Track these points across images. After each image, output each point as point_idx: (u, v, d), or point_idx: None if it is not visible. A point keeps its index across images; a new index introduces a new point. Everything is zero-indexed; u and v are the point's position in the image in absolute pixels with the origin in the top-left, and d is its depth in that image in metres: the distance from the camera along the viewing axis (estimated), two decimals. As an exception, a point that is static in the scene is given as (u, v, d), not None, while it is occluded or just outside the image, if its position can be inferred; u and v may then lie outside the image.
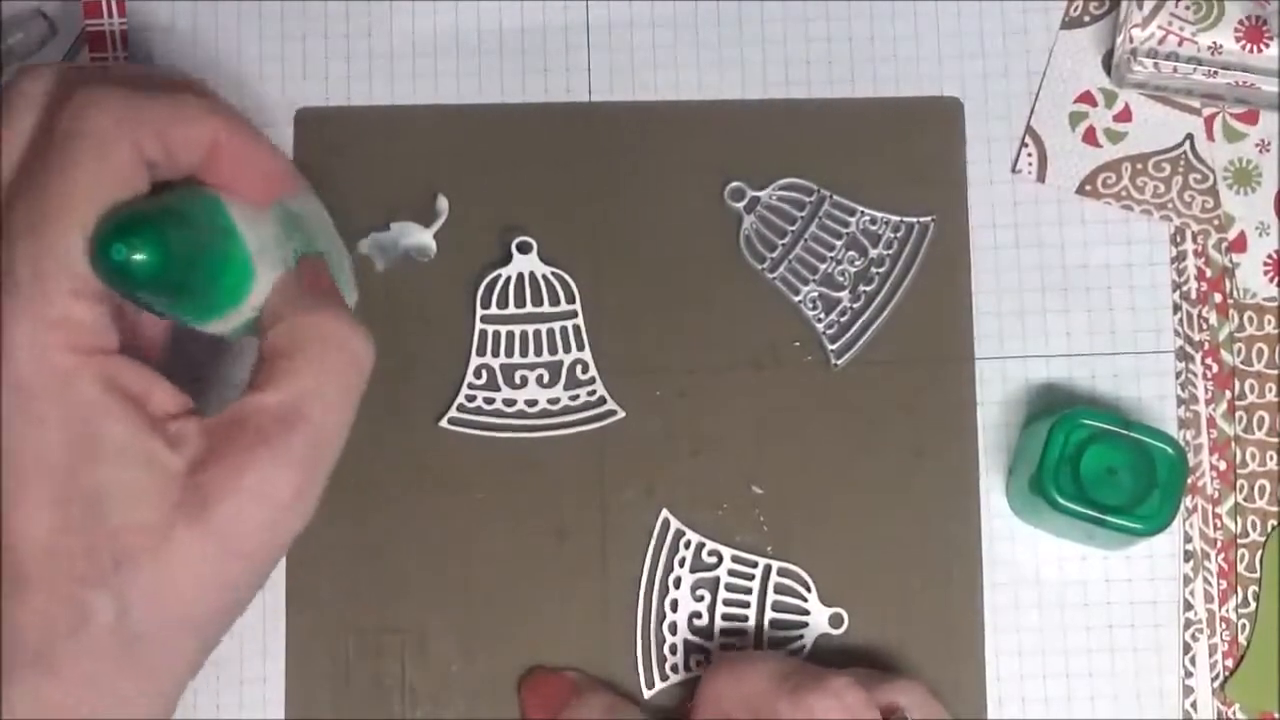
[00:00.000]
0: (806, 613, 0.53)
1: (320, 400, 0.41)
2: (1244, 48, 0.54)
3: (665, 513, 0.53)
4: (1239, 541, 0.54)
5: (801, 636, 0.53)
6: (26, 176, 0.39)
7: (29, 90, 0.41)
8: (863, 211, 0.55)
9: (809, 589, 0.53)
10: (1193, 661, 0.53)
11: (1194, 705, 0.53)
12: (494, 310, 0.54)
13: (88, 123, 0.39)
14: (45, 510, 0.38)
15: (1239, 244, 0.55)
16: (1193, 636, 0.53)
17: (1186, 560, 0.54)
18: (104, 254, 0.38)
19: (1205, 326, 0.55)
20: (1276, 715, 0.53)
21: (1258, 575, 0.54)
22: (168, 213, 0.40)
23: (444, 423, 0.54)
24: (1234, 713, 0.53)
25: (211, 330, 0.43)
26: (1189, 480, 0.53)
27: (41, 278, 0.38)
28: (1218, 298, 0.55)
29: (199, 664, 0.41)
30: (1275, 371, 0.55)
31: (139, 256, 0.38)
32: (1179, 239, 0.55)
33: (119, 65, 0.46)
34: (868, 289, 0.55)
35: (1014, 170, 0.56)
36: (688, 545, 0.53)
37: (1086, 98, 0.56)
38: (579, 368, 0.54)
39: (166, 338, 0.46)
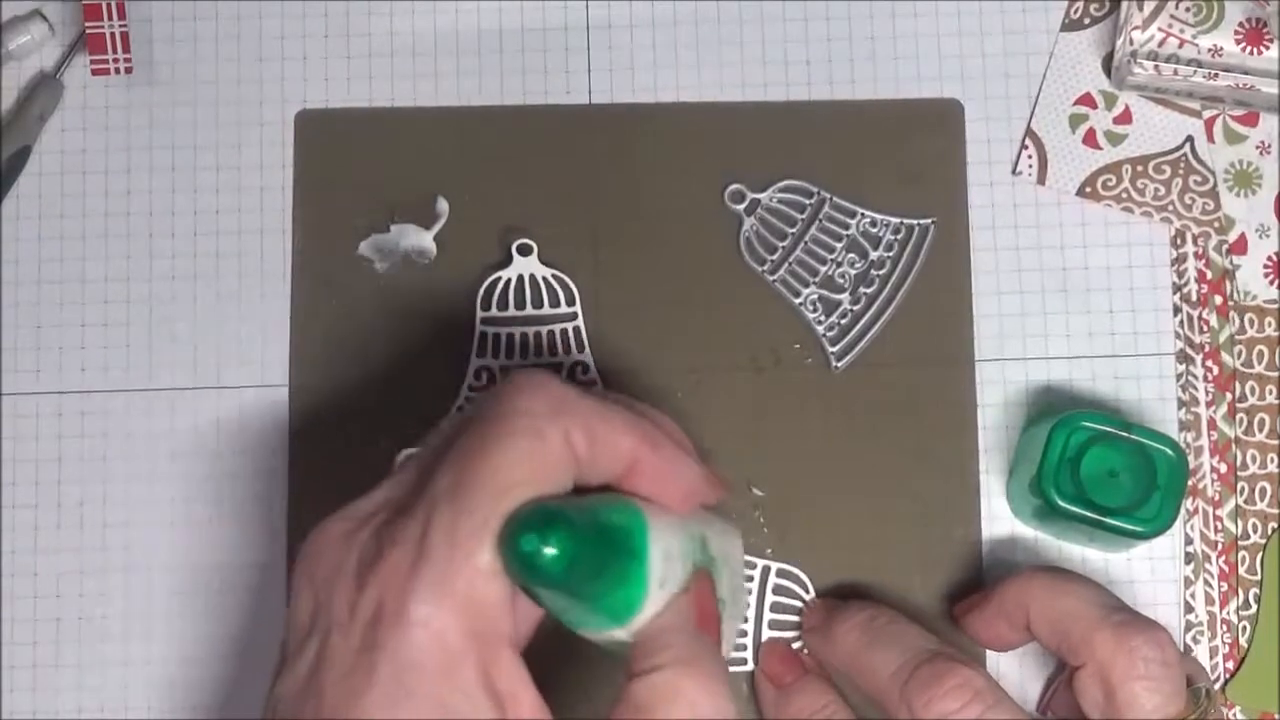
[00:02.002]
0: (807, 615, 0.53)
1: None
2: (1244, 50, 0.54)
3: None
4: (1240, 544, 0.54)
5: (801, 637, 0.53)
6: (458, 446, 0.39)
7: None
8: (863, 213, 0.55)
9: (808, 590, 0.53)
10: (1193, 656, 0.53)
11: (1194, 707, 0.53)
12: (494, 312, 0.54)
13: (524, 401, 0.39)
14: None
15: (1239, 246, 0.55)
16: (1194, 638, 0.53)
17: (1187, 562, 0.54)
18: (514, 540, 0.37)
19: (1206, 329, 0.55)
20: (1277, 716, 0.53)
21: (1258, 578, 0.54)
22: (588, 516, 0.38)
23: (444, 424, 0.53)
24: (1234, 714, 0.53)
25: (583, 634, 0.41)
26: (1189, 483, 0.53)
27: (455, 549, 0.37)
28: (1218, 300, 0.55)
29: None
30: (1276, 374, 0.55)
31: (548, 551, 0.36)
32: (1179, 241, 0.55)
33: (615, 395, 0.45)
34: (868, 291, 0.55)
35: (1014, 172, 0.56)
36: (688, 547, 0.53)
37: (1087, 100, 0.56)
38: (579, 370, 0.54)
39: (534, 626, 0.43)
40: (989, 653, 0.53)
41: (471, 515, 0.37)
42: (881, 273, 0.55)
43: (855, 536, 0.54)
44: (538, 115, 0.56)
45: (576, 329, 0.54)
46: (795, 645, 0.53)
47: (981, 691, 0.44)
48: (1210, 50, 0.54)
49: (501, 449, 0.38)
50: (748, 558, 0.53)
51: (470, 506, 0.37)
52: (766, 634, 0.53)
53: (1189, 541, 0.54)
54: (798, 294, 0.55)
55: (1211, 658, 0.53)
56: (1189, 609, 0.54)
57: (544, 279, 0.54)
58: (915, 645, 0.47)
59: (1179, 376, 0.55)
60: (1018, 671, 0.53)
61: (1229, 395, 0.55)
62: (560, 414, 0.39)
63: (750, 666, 0.53)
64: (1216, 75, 0.54)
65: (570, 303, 0.54)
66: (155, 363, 0.54)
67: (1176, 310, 0.55)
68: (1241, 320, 0.55)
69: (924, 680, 0.45)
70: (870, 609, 0.49)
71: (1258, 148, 0.56)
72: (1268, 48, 0.54)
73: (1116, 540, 0.51)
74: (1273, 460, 0.54)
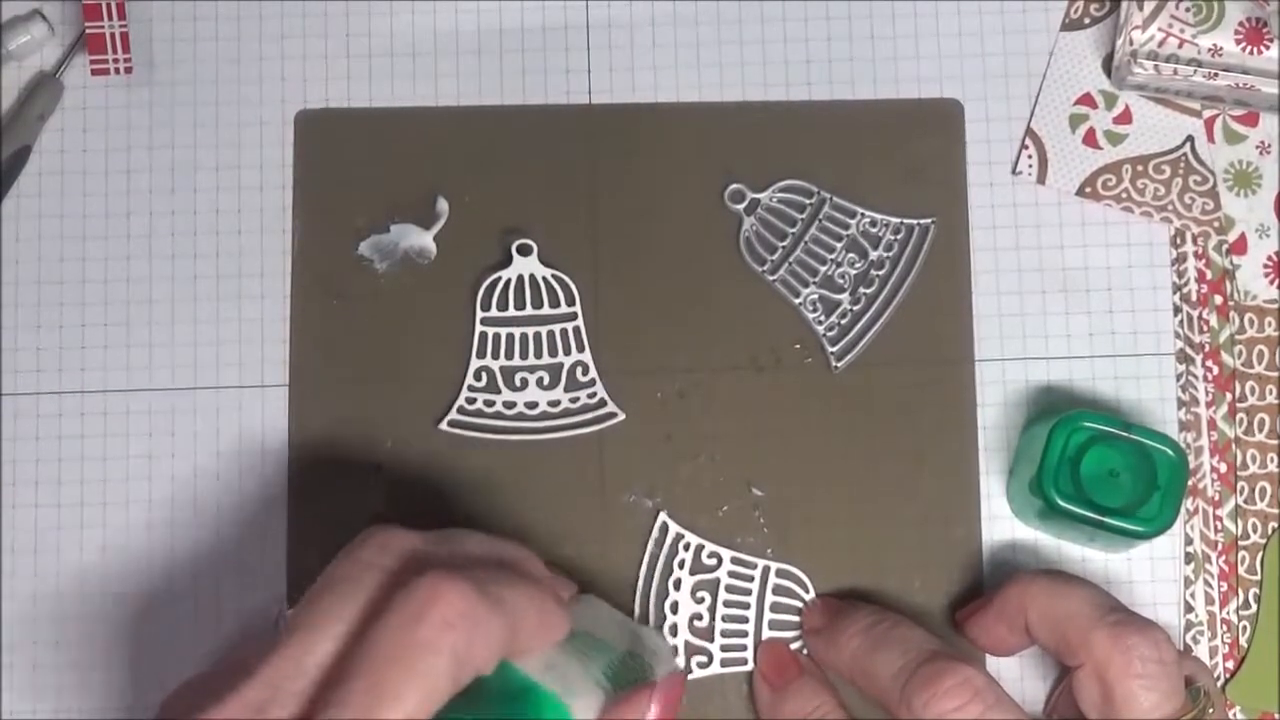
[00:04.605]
0: (807, 615, 0.53)
1: None
2: (1244, 50, 0.54)
3: (663, 516, 0.53)
4: (1240, 544, 0.54)
5: (801, 638, 0.53)
6: (351, 669, 0.38)
7: (374, 561, 0.40)
8: (863, 213, 0.55)
9: (808, 590, 0.53)
10: (1193, 655, 0.53)
11: (1194, 707, 0.53)
12: (494, 312, 0.54)
13: (447, 638, 0.38)
14: None
15: (1239, 246, 0.55)
16: (1194, 638, 0.53)
17: (1187, 562, 0.54)
18: None
19: (1206, 329, 0.55)
20: (1276, 716, 0.53)
21: (1258, 577, 0.54)
22: (474, 706, 0.40)
23: (444, 425, 0.53)
24: (1234, 714, 0.53)
25: None
26: (1189, 482, 0.53)
27: None
28: (1218, 300, 0.55)
29: None
30: (1276, 374, 0.55)
31: None
32: (1179, 241, 0.55)
33: (462, 541, 0.44)
34: (868, 291, 0.55)
35: (1014, 172, 0.56)
36: (687, 548, 0.53)
37: (1087, 100, 0.56)
38: (579, 370, 0.54)
39: None
40: (989, 656, 0.53)
41: None
42: (881, 273, 0.55)
43: (855, 536, 0.54)
44: (538, 115, 0.56)
45: (576, 329, 0.54)
46: (795, 645, 0.53)
47: (981, 690, 0.44)
48: (1210, 50, 0.54)
49: (422, 694, 0.37)
50: (748, 557, 0.53)
51: None
52: (766, 634, 0.53)
53: (1189, 541, 0.54)
54: (798, 294, 0.55)
55: (1211, 658, 0.53)
56: (1189, 609, 0.54)
57: (544, 279, 0.54)
58: (917, 646, 0.47)
59: (1179, 376, 0.55)
60: (1018, 672, 0.53)
61: (1229, 395, 0.55)
62: (479, 645, 0.39)
63: (750, 666, 0.53)
64: (1216, 75, 0.54)
65: (570, 303, 0.54)
66: (155, 363, 0.54)
67: (1176, 310, 0.55)
68: (1241, 320, 0.55)
69: (924, 680, 0.45)
70: (873, 614, 0.50)
71: (1258, 148, 0.56)
72: (1268, 48, 0.54)
73: (1116, 540, 0.51)
74: (1273, 460, 0.54)
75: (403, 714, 0.37)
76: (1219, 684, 0.53)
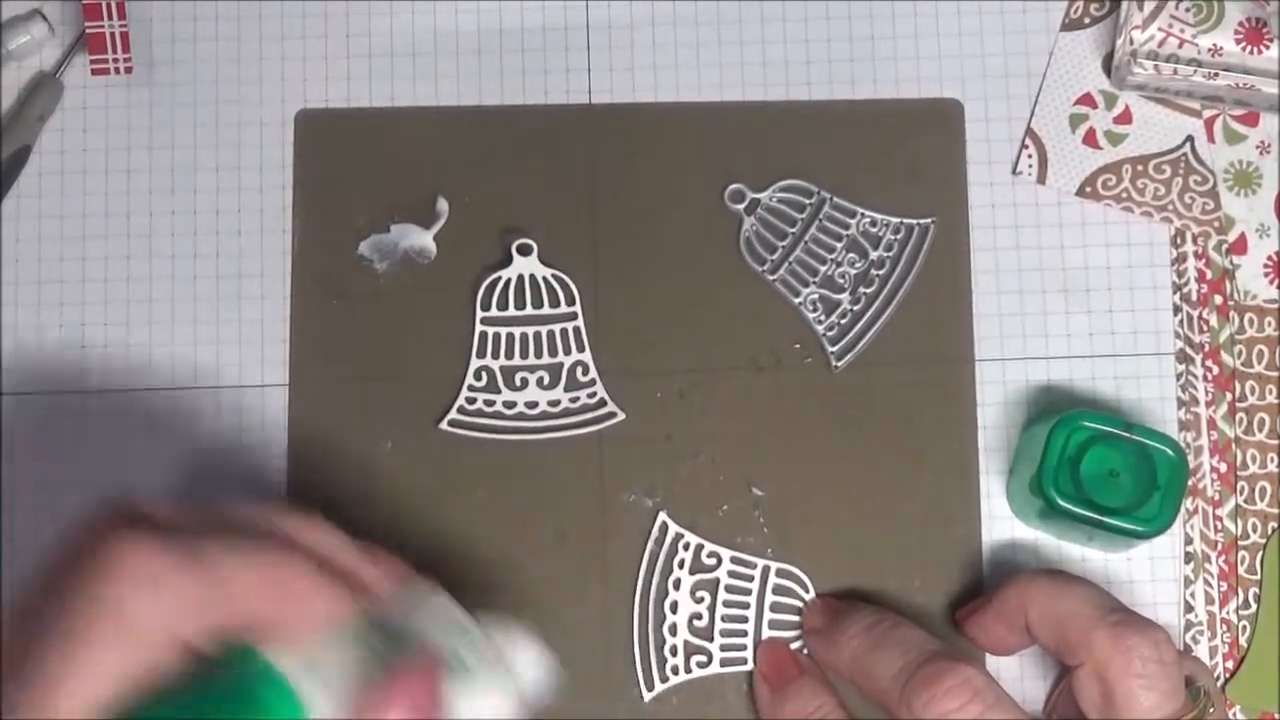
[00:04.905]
0: (807, 614, 0.53)
1: None
2: (1244, 49, 0.54)
3: (663, 516, 0.53)
4: (1239, 543, 0.54)
5: (801, 637, 0.53)
6: (55, 643, 0.36)
7: (88, 524, 0.38)
8: (863, 213, 0.55)
9: (808, 590, 0.53)
10: (1194, 656, 0.53)
11: (1194, 707, 0.53)
12: (494, 312, 0.54)
13: (133, 603, 0.36)
14: None
15: (1239, 246, 0.55)
16: (1193, 638, 0.53)
17: (1187, 562, 0.54)
18: None
19: (1206, 328, 0.55)
20: (1276, 716, 0.53)
21: (1258, 577, 0.54)
22: (180, 701, 0.36)
23: (444, 425, 0.53)
24: (1234, 714, 0.53)
25: None
26: (1189, 482, 0.53)
27: None
28: (1218, 300, 0.55)
29: None
30: (1276, 373, 0.55)
31: None
32: (1179, 241, 0.55)
33: (221, 508, 0.41)
34: (868, 291, 0.55)
35: (1014, 172, 0.56)
36: (687, 547, 0.53)
37: (1087, 100, 0.56)
38: (579, 369, 0.54)
39: None
40: (988, 655, 0.53)
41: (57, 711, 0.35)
42: (881, 272, 0.55)
43: (855, 536, 0.54)
44: (538, 115, 0.56)
45: (576, 329, 0.54)
46: (795, 645, 0.53)
47: (981, 690, 0.44)
48: (1210, 50, 0.54)
49: (103, 661, 0.35)
50: (748, 557, 0.53)
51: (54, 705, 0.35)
52: (766, 634, 0.53)
53: (1189, 541, 0.54)
54: (798, 294, 0.55)
55: (1211, 657, 0.53)
56: (1189, 609, 0.54)
57: (544, 279, 0.54)
58: (917, 647, 0.47)
59: (1179, 376, 0.55)
60: (1017, 672, 0.53)
61: (1229, 395, 0.55)
62: (152, 609, 0.36)
63: (750, 666, 0.53)
64: (1216, 75, 0.54)
65: (570, 302, 0.54)
66: (156, 362, 0.54)
67: (1176, 310, 0.55)
68: (1241, 320, 0.55)
69: (924, 680, 0.45)
70: (873, 614, 0.50)
71: (1258, 148, 0.56)
72: (1268, 48, 0.54)
73: (1116, 540, 0.51)
74: (1273, 460, 0.54)
75: (75, 686, 0.35)
76: (1219, 684, 0.53)
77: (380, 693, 0.39)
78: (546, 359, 0.54)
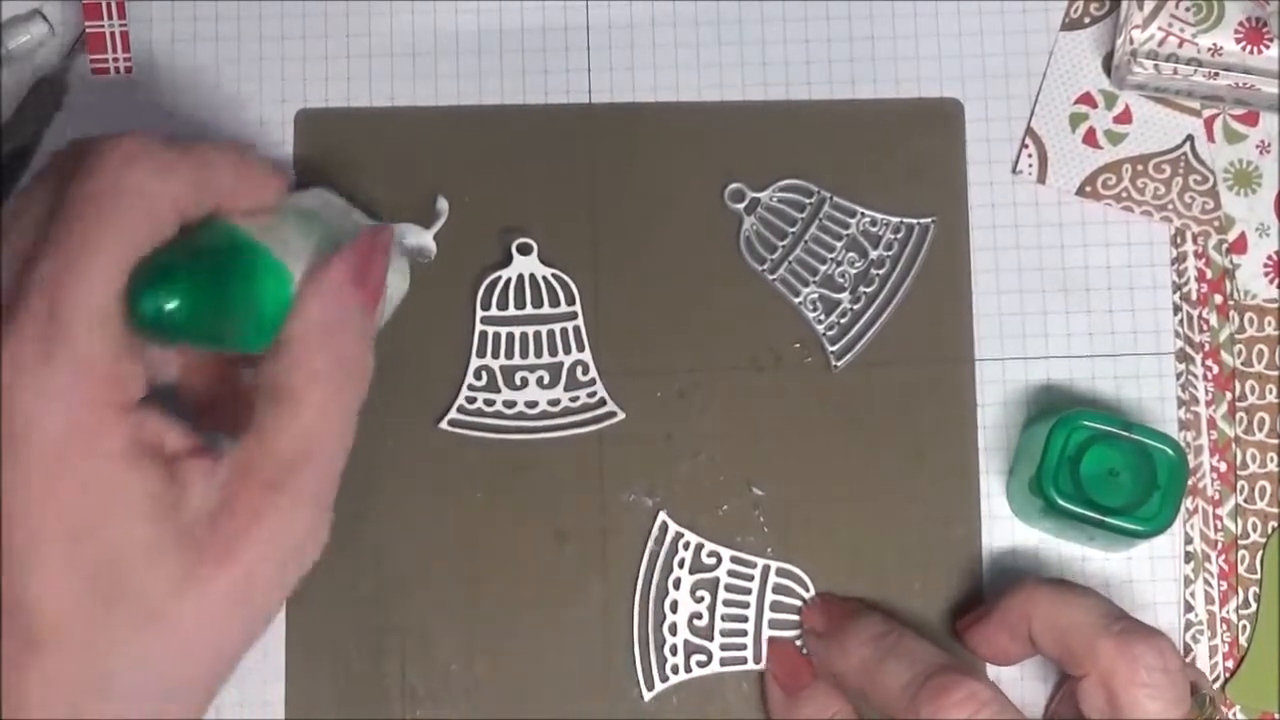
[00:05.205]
0: (807, 614, 0.53)
1: (331, 435, 0.41)
2: (1244, 49, 0.54)
3: (663, 515, 0.53)
4: (1239, 543, 0.54)
5: (801, 637, 0.53)
6: (67, 227, 0.39)
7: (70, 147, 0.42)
8: (863, 213, 0.55)
9: (808, 589, 0.53)
10: (1193, 663, 0.53)
11: (1194, 706, 0.53)
12: (494, 311, 0.54)
13: (131, 176, 0.39)
14: (64, 573, 0.37)
15: (1239, 245, 0.55)
16: (1193, 638, 0.53)
17: (1187, 562, 0.54)
18: (137, 310, 0.38)
19: (1206, 328, 0.55)
20: (1277, 716, 0.53)
21: (1258, 577, 0.54)
22: (188, 253, 0.40)
23: (444, 424, 0.53)
24: (1234, 714, 0.53)
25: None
26: (1189, 482, 0.53)
27: (72, 329, 0.37)
28: (1218, 299, 0.55)
29: (208, 704, 0.41)
30: (1276, 373, 0.55)
31: (170, 305, 0.39)
32: (1179, 240, 0.55)
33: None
34: (868, 290, 0.55)
35: (1014, 171, 0.56)
36: (687, 546, 0.53)
37: (1087, 99, 0.56)
38: (579, 369, 0.54)
39: (175, 367, 0.46)
40: (989, 665, 0.53)
41: (86, 299, 0.38)
42: (881, 272, 0.55)
43: (855, 536, 0.54)
44: (538, 115, 0.56)
45: (576, 328, 0.54)
46: (796, 645, 0.53)
47: (988, 703, 0.45)
48: (1210, 50, 0.54)
49: (117, 234, 0.39)
50: (748, 556, 0.53)
51: (82, 293, 0.38)
52: (767, 633, 0.53)
53: (1189, 541, 0.54)
54: (798, 293, 0.55)
55: (1211, 657, 0.53)
56: (1189, 608, 0.54)
57: (544, 278, 0.54)
58: (925, 659, 0.47)
59: (1179, 376, 0.55)
60: (1019, 682, 0.53)
61: (1229, 394, 0.55)
62: (167, 180, 0.40)
63: (750, 665, 0.53)
64: (1216, 75, 0.54)
65: (570, 302, 0.54)
66: (155, 362, 0.54)
67: (1176, 309, 0.55)
68: (1241, 319, 0.55)
69: (932, 692, 0.45)
70: (881, 624, 0.50)
71: (1258, 147, 0.56)
72: (1268, 47, 0.54)
73: (1116, 540, 0.51)
74: (1272, 459, 0.54)
75: (105, 257, 0.38)
76: (1219, 684, 0.53)
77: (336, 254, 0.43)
78: (546, 358, 0.54)
